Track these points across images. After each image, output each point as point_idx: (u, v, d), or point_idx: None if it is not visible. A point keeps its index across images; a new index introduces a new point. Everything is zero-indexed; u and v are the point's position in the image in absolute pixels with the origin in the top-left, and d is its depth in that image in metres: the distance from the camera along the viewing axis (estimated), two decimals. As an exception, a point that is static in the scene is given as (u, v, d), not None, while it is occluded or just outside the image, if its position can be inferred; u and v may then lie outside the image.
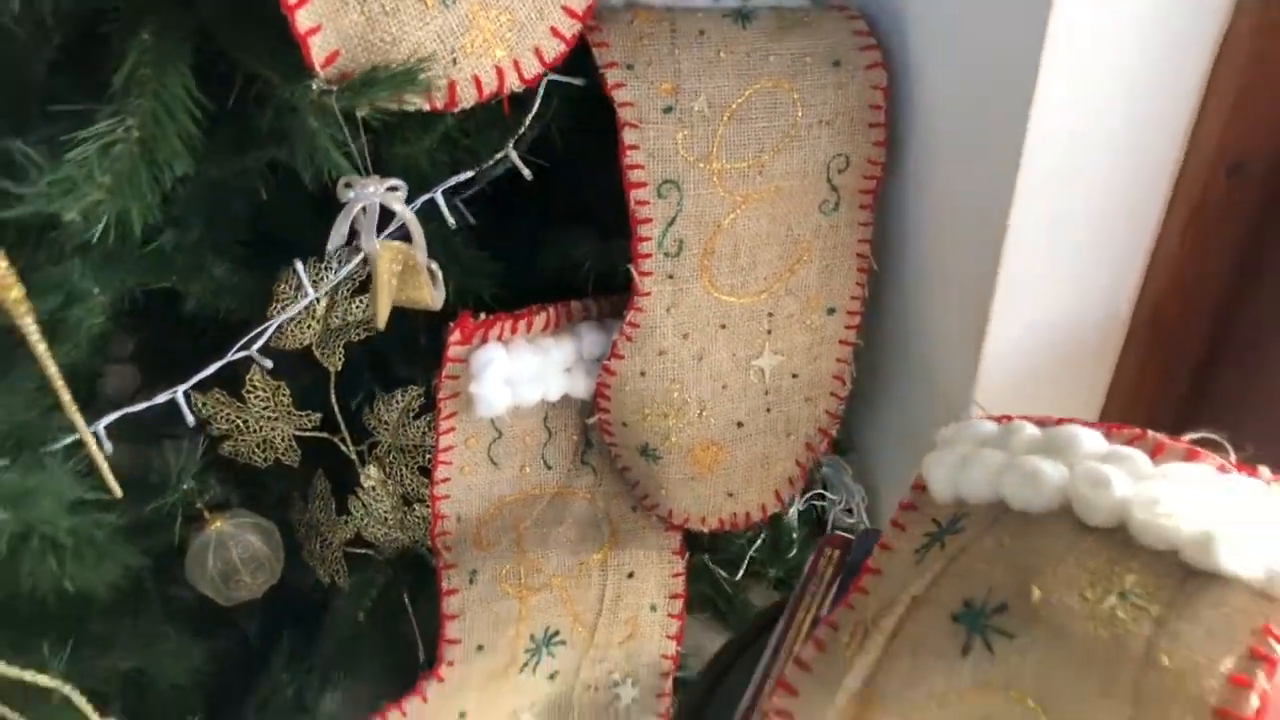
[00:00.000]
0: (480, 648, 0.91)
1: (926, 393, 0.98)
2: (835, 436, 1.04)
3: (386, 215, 0.78)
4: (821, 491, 1.12)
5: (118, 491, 0.75)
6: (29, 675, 0.73)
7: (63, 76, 0.67)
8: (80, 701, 0.76)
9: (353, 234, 0.76)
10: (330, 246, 0.71)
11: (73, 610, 0.79)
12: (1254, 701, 0.52)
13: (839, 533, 0.83)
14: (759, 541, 1.09)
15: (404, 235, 0.78)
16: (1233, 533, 0.56)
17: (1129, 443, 0.63)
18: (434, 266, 0.76)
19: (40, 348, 0.66)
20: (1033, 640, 0.58)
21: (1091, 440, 0.63)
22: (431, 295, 0.76)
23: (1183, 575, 0.57)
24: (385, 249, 0.71)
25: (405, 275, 0.73)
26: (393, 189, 0.70)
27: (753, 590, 1.12)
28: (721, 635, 1.14)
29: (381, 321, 0.75)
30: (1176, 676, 0.54)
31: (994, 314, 0.86)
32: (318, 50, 0.64)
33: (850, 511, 1.14)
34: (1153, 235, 0.84)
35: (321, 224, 0.81)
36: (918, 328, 0.96)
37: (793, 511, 1.11)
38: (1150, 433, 0.63)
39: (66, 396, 0.69)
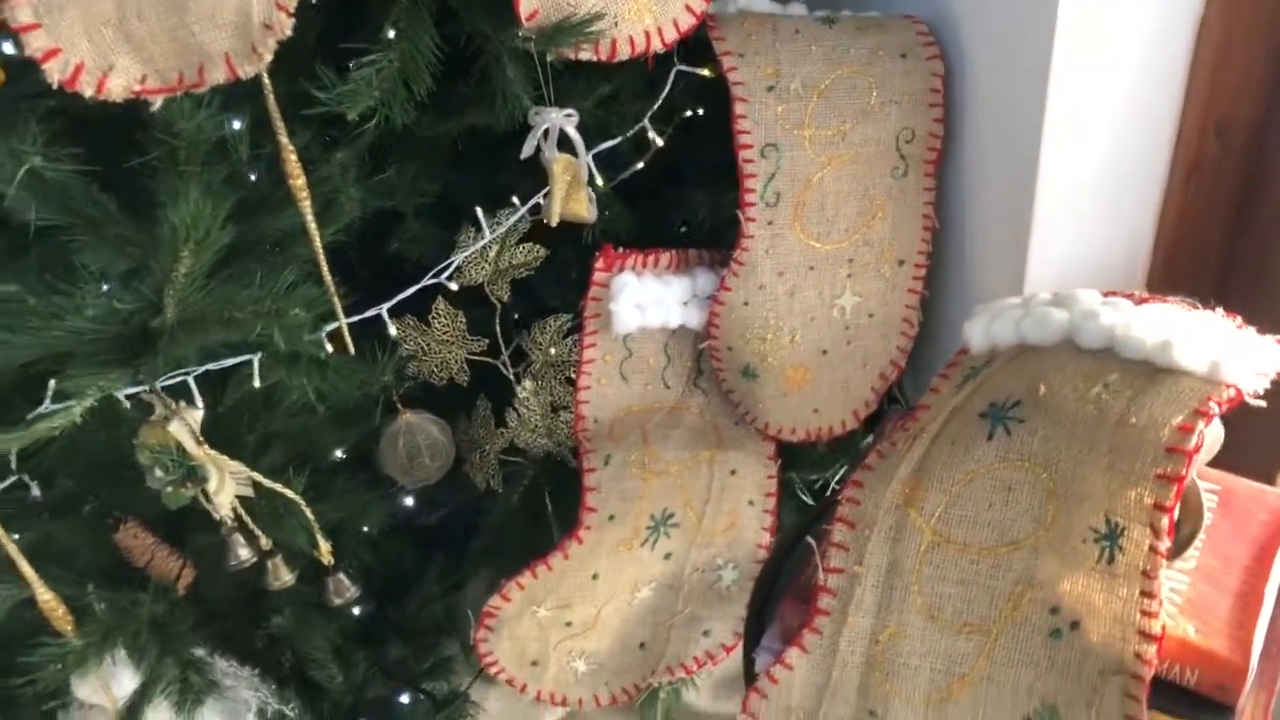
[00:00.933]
0: (611, 517, 1.13)
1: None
2: (901, 384, 1.24)
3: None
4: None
5: (352, 349, 1.00)
6: (279, 486, 0.97)
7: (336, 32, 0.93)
8: (308, 514, 0.99)
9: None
10: (523, 154, 0.96)
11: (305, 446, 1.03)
12: (1194, 441, 0.72)
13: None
14: (840, 472, 1.29)
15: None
16: (1186, 338, 0.76)
17: (1115, 295, 0.83)
18: (590, 192, 1.00)
19: (313, 226, 0.92)
20: (1040, 422, 0.79)
21: (1088, 295, 0.84)
22: (588, 209, 1.00)
23: (1151, 373, 0.77)
24: (560, 159, 0.96)
25: (571, 188, 0.97)
26: (569, 115, 0.95)
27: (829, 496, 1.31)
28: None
29: (554, 218, 0.99)
30: (1140, 430, 0.74)
31: (1031, 260, 1.07)
32: (525, 6, 0.90)
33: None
34: (1160, 189, 1.05)
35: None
36: (971, 276, 1.17)
37: (867, 441, 1.31)
38: (1135, 293, 0.84)
39: (325, 268, 0.94)
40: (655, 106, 1.10)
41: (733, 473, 1.17)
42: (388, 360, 1.12)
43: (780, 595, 1.00)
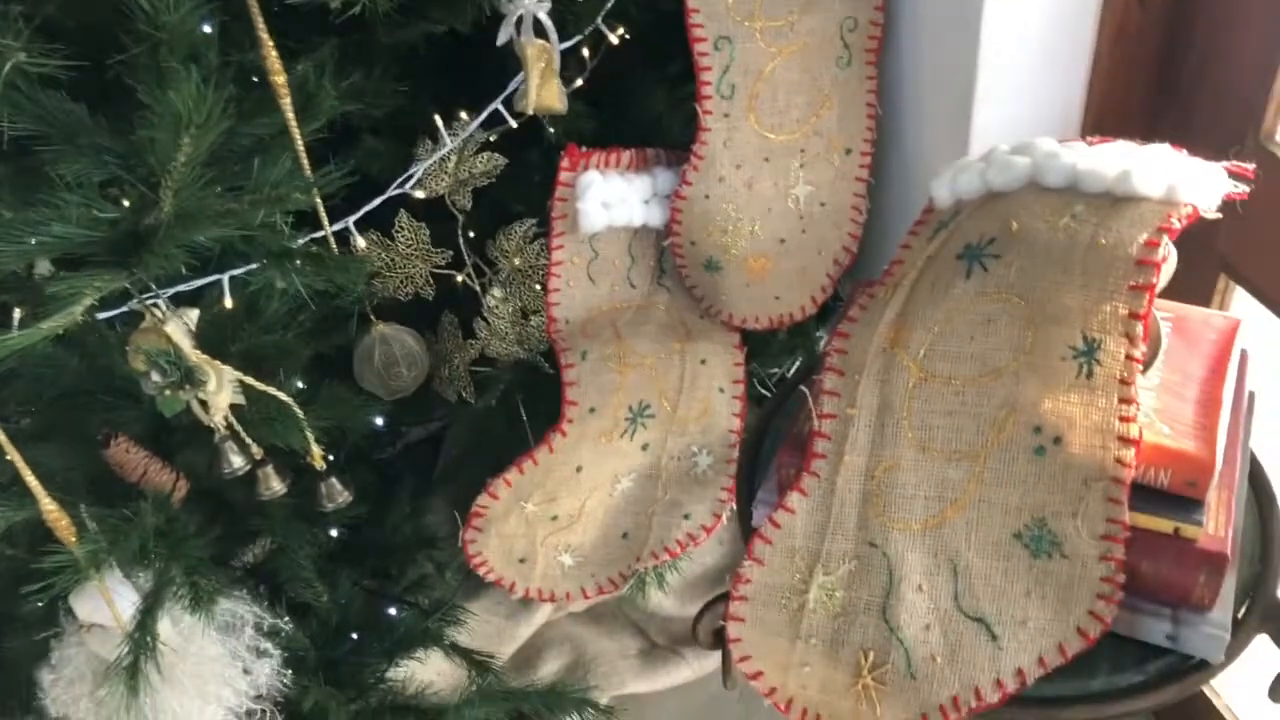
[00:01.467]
0: (592, 409, 1.16)
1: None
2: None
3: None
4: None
5: (335, 250, 1.01)
6: (272, 389, 0.98)
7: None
8: (300, 416, 1.00)
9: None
10: (499, 41, 0.98)
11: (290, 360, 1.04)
12: (1161, 253, 0.78)
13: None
14: (796, 364, 1.35)
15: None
16: (1143, 167, 0.82)
17: (1071, 139, 0.89)
18: (560, 83, 1.03)
19: (294, 125, 0.93)
20: (1014, 255, 0.84)
21: (1046, 140, 0.89)
22: (560, 99, 1.03)
23: (1113, 201, 0.83)
24: (535, 44, 0.98)
25: (544, 77, 1.00)
26: (542, 1, 0.97)
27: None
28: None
29: (530, 106, 1.02)
30: (1110, 249, 0.80)
31: (973, 138, 1.13)
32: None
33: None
34: (1089, 54, 1.12)
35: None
36: (915, 160, 1.23)
37: (822, 340, 1.37)
38: (1088, 137, 0.90)
39: (308, 169, 0.95)
40: (608, 5, 1.13)
41: (703, 362, 1.22)
42: (364, 263, 1.14)
43: (764, 467, 1.05)
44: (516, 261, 1.22)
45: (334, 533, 1.26)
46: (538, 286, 1.22)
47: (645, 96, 1.21)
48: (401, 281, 1.23)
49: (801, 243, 1.23)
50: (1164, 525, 0.82)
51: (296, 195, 0.84)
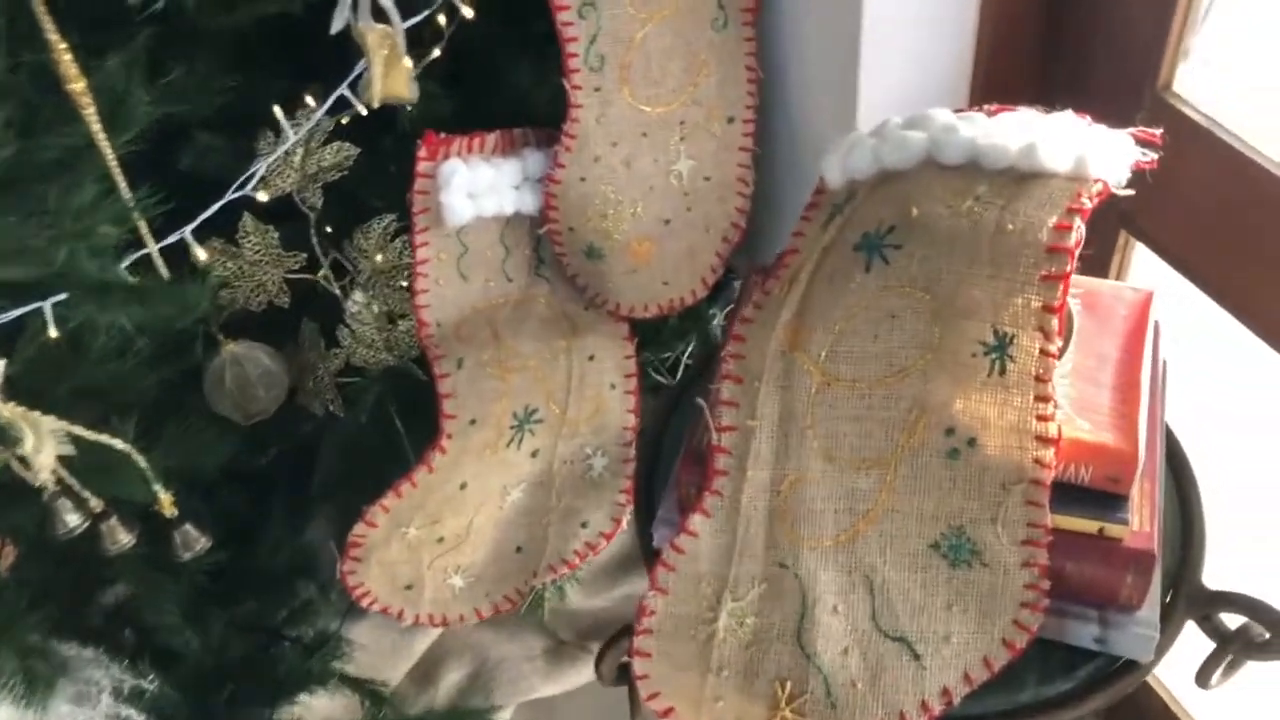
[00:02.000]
0: (473, 421, 1.07)
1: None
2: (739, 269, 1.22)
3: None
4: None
5: (165, 274, 0.89)
6: (105, 438, 0.87)
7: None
8: (142, 463, 0.89)
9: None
10: (332, 29, 0.87)
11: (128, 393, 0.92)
12: (1073, 238, 0.72)
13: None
14: (690, 347, 1.27)
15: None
16: (1047, 139, 0.76)
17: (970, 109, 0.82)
18: (408, 63, 0.92)
19: (101, 136, 0.81)
20: (916, 245, 0.77)
21: (942, 112, 0.82)
22: (409, 87, 0.92)
23: (1019, 180, 0.76)
24: (376, 29, 0.87)
25: (389, 64, 0.89)
26: (379, -19, 0.86)
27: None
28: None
29: (376, 99, 0.91)
30: (1019, 234, 0.73)
31: (861, 98, 1.06)
32: None
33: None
34: (975, 9, 1.05)
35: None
36: (801, 124, 1.15)
37: (716, 323, 1.30)
38: (986, 106, 0.83)
39: (123, 183, 0.83)
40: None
41: (591, 358, 1.13)
42: (203, 285, 1.02)
43: (665, 472, 0.97)
44: (378, 260, 1.11)
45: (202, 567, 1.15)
46: (404, 286, 1.11)
47: (508, 71, 1.11)
48: (253, 291, 1.11)
49: (687, 221, 1.14)
50: (1088, 526, 0.77)
51: (106, 229, 0.72)
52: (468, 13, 1.03)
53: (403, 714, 1.18)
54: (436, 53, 0.99)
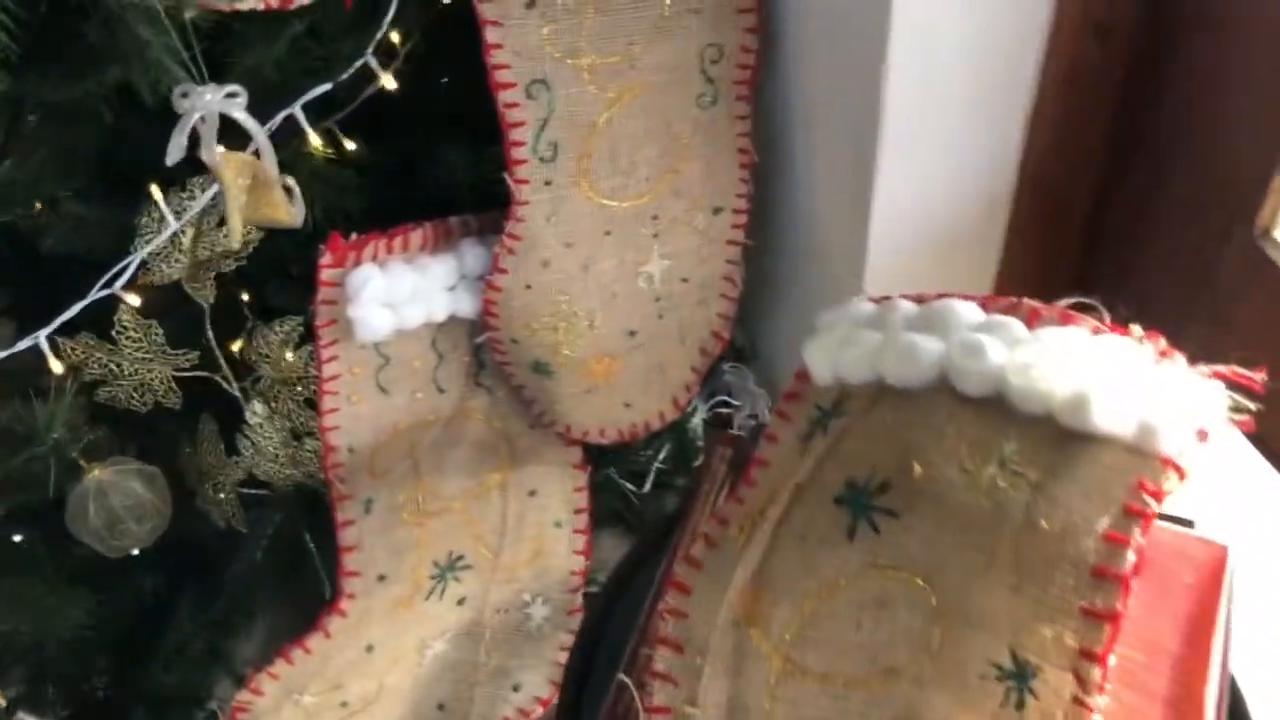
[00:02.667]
0: (382, 578, 0.89)
1: (820, 286, 0.97)
2: (734, 341, 1.03)
3: (241, 131, 0.74)
4: (725, 399, 1.11)
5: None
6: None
7: None
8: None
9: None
10: (169, 160, 0.67)
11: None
12: (1130, 558, 0.52)
13: (730, 431, 0.81)
14: (663, 452, 1.08)
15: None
16: (1105, 391, 0.55)
17: (1004, 311, 0.62)
18: (289, 182, 0.72)
19: None
20: (917, 517, 0.58)
21: (966, 311, 0.61)
22: (288, 212, 0.72)
23: (1060, 438, 0.56)
24: (229, 160, 0.68)
25: (257, 191, 0.70)
26: (231, 95, 0.66)
27: (663, 501, 1.11)
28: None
29: (235, 239, 0.72)
30: (1056, 539, 0.53)
31: (877, 192, 0.85)
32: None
33: (755, 417, 1.13)
34: (1029, 99, 0.83)
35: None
36: (806, 221, 0.94)
37: (697, 419, 1.10)
38: (1025, 300, 0.62)
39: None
40: (379, 36, 0.81)
41: (532, 494, 0.95)
42: (56, 408, 0.84)
43: (609, 658, 0.79)
44: (282, 368, 0.92)
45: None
46: (310, 401, 0.93)
47: (441, 154, 0.90)
48: (135, 390, 0.93)
49: (657, 332, 0.94)
50: None
51: None
52: (389, 83, 0.83)
53: None
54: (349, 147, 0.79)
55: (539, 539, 0.95)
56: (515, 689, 0.96)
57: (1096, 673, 0.52)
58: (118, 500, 0.88)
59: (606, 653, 0.79)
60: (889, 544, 0.58)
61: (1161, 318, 0.62)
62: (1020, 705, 0.55)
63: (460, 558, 0.92)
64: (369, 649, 0.90)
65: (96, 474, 0.88)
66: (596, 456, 1.01)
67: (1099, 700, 0.53)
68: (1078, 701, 0.53)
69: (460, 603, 0.94)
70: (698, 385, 0.98)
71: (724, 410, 1.12)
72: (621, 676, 0.66)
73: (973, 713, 0.57)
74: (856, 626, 0.59)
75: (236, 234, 0.71)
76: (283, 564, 0.99)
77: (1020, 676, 0.55)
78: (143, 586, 1.12)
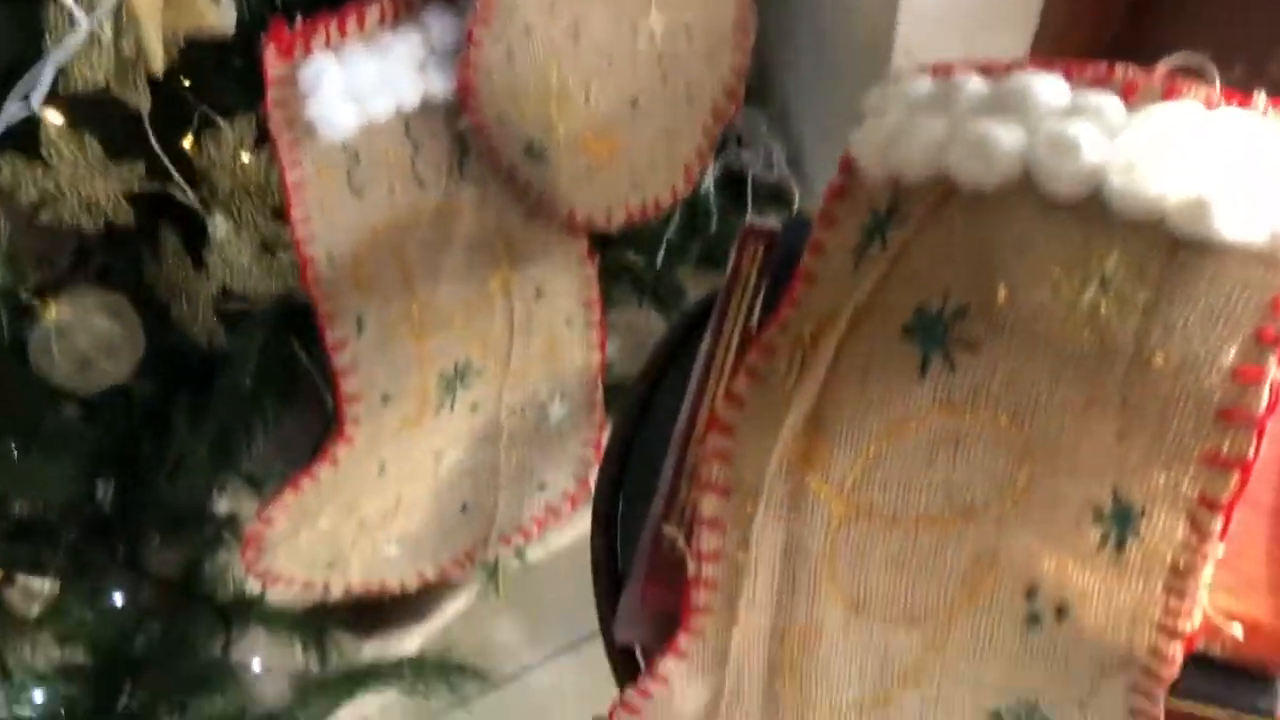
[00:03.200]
0: (386, 398, 0.82)
1: (842, 26, 0.85)
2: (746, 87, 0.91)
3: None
4: (736, 150, 1.00)
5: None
6: None
7: None
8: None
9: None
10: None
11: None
12: (1264, 396, 0.44)
13: (760, 224, 0.72)
14: (673, 221, 0.99)
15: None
16: (1230, 189, 0.46)
17: (1095, 85, 0.51)
18: (214, -22, 0.59)
19: None
20: (1002, 349, 0.50)
21: (1051, 91, 0.51)
22: (216, 15, 0.60)
23: (1173, 249, 0.47)
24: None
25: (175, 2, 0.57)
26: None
27: (678, 272, 1.03)
28: (650, 322, 1.06)
29: (155, 63, 0.60)
30: (1172, 376, 0.45)
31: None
32: None
33: (771, 167, 1.03)
34: None
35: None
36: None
37: (708, 180, 1.00)
38: (1119, 69, 0.51)
39: None
40: None
41: (538, 294, 0.86)
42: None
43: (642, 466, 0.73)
44: (240, 174, 0.81)
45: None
46: (277, 210, 0.82)
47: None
48: (81, 209, 0.83)
49: (662, 96, 0.83)
50: (1215, 713, 0.55)
51: None
52: None
53: (357, 664, 1.03)
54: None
55: (551, 339, 0.88)
56: (541, 488, 0.92)
57: (1218, 523, 0.46)
58: (84, 341, 0.80)
59: (637, 469, 0.74)
60: (968, 379, 0.51)
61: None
62: (1121, 546, 0.49)
63: (468, 366, 0.85)
64: (381, 469, 0.85)
65: (54, 314, 0.80)
66: (601, 236, 0.92)
67: (1217, 549, 0.47)
68: (1192, 549, 0.47)
69: (473, 409, 0.88)
70: (710, 151, 0.87)
71: (734, 162, 1.02)
72: (666, 527, 0.60)
73: (1062, 551, 0.51)
74: (929, 464, 0.53)
75: (155, 56, 0.59)
76: (274, 382, 0.91)
77: (1122, 519, 0.49)
78: (133, 399, 1.06)
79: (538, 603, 1.37)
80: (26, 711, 0.85)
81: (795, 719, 0.59)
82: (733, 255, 0.70)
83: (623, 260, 0.98)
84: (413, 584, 0.95)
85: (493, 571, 0.98)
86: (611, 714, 0.61)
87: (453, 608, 1.30)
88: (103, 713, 0.90)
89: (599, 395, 0.91)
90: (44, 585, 0.80)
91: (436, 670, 1.03)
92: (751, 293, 0.67)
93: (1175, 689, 0.54)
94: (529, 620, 1.40)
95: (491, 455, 0.90)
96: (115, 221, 0.84)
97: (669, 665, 0.60)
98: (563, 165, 0.82)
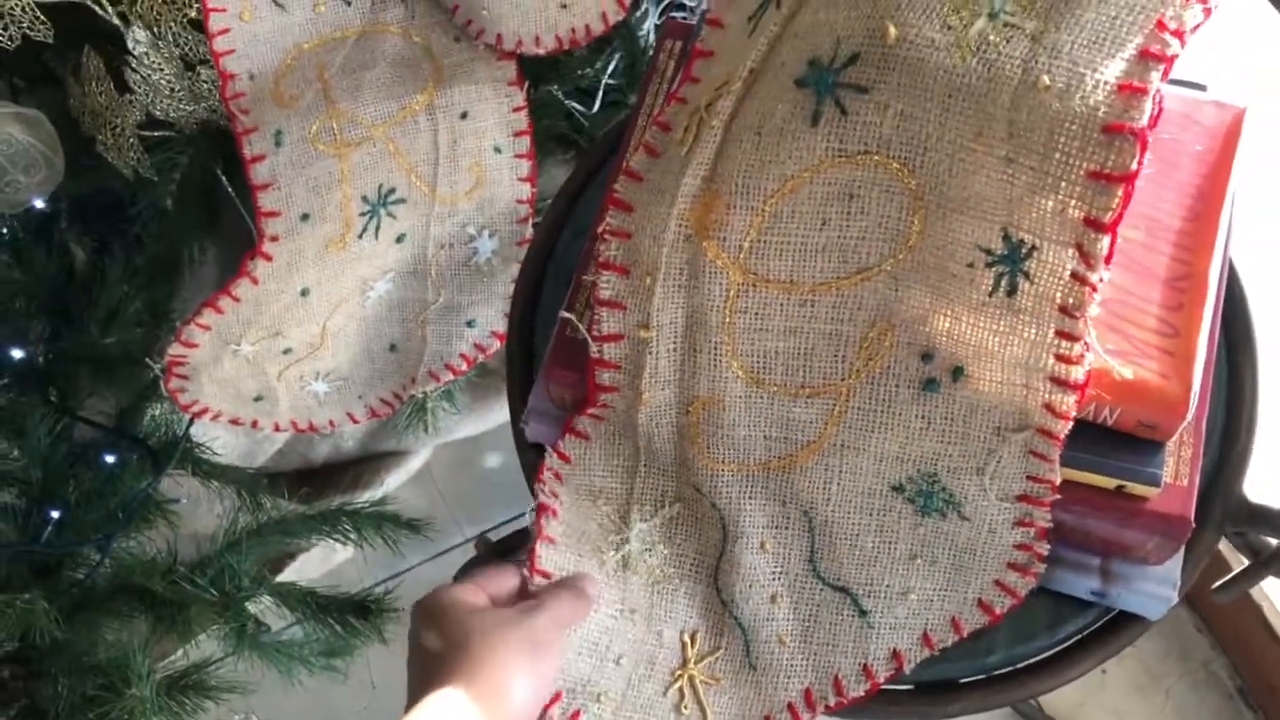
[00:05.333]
0: (305, 216, 0.81)
1: None
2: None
3: None
4: (680, -2, 0.99)
5: None
6: None
7: None
8: None
9: None
10: None
11: None
12: (1148, 108, 0.44)
13: (680, 19, 0.71)
14: (613, 63, 0.97)
15: None
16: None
17: None
18: None
19: None
20: (892, 90, 0.49)
21: None
22: None
23: (1062, -24, 0.47)
24: None
25: None
26: None
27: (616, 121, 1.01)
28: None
29: None
30: (1059, 96, 0.45)
31: None
32: None
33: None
34: None
35: None
36: None
37: (649, 23, 0.99)
38: None
39: None
40: None
41: (464, 116, 0.85)
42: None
43: (557, 280, 0.73)
44: (156, -15, 0.80)
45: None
46: (195, 20, 0.81)
47: None
48: (-4, 23, 0.81)
49: (590, -86, 0.81)
50: (1103, 481, 0.55)
51: None
52: None
53: (294, 512, 1.02)
54: None
55: (478, 167, 0.86)
56: (469, 324, 0.91)
57: (1104, 244, 0.46)
58: (-2, 150, 0.79)
59: (555, 274, 0.73)
60: (859, 125, 0.50)
61: None
62: (1012, 291, 0.49)
63: (392, 190, 0.84)
64: (304, 293, 0.84)
65: (-36, 122, 0.78)
66: (536, 73, 0.91)
67: (1102, 274, 0.46)
68: (1078, 278, 0.47)
69: (399, 240, 0.87)
70: (644, -24, 0.86)
71: (677, 14, 1.00)
72: (563, 312, 0.60)
73: (955, 303, 0.51)
74: (823, 224, 0.53)
75: None
76: (198, 207, 0.90)
77: (1012, 259, 0.49)
78: (67, 248, 1.05)
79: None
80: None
81: (705, 481, 0.59)
82: (652, 53, 0.69)
83: (559, 104, 0.96)
84: (342, 425, 0.94)
85: (420, 408, 0.97)
86: (538, 477, 0.61)
87: (394, 480, 1.30)
88: (27, 545, 0.90)
89: (528, 231, 0.90)
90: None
91: (372, 522, 1.03)
92: (668, 84, 0.67)
93: (1066, 458, 0.55)
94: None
95: (419, 290, 0.90)
96: (32, 35, 0.82)
97: (586, 423, 0.60)
98: (490, -16, 0.81)
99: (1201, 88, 0.62)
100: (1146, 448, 0.55)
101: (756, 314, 0.55)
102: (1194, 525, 0.55)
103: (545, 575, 0.59)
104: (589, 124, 0.98)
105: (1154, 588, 0.59)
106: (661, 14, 0.99)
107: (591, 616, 0.60)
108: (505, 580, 0.57)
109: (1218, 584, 0.68)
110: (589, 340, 0.58)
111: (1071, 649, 0.62)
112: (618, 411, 0.60)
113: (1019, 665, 0.62)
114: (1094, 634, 0.62)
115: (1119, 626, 0.62)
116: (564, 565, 0.60)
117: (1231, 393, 0.66)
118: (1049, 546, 0.56)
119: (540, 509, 0.60)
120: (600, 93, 0.97)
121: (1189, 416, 0.53)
